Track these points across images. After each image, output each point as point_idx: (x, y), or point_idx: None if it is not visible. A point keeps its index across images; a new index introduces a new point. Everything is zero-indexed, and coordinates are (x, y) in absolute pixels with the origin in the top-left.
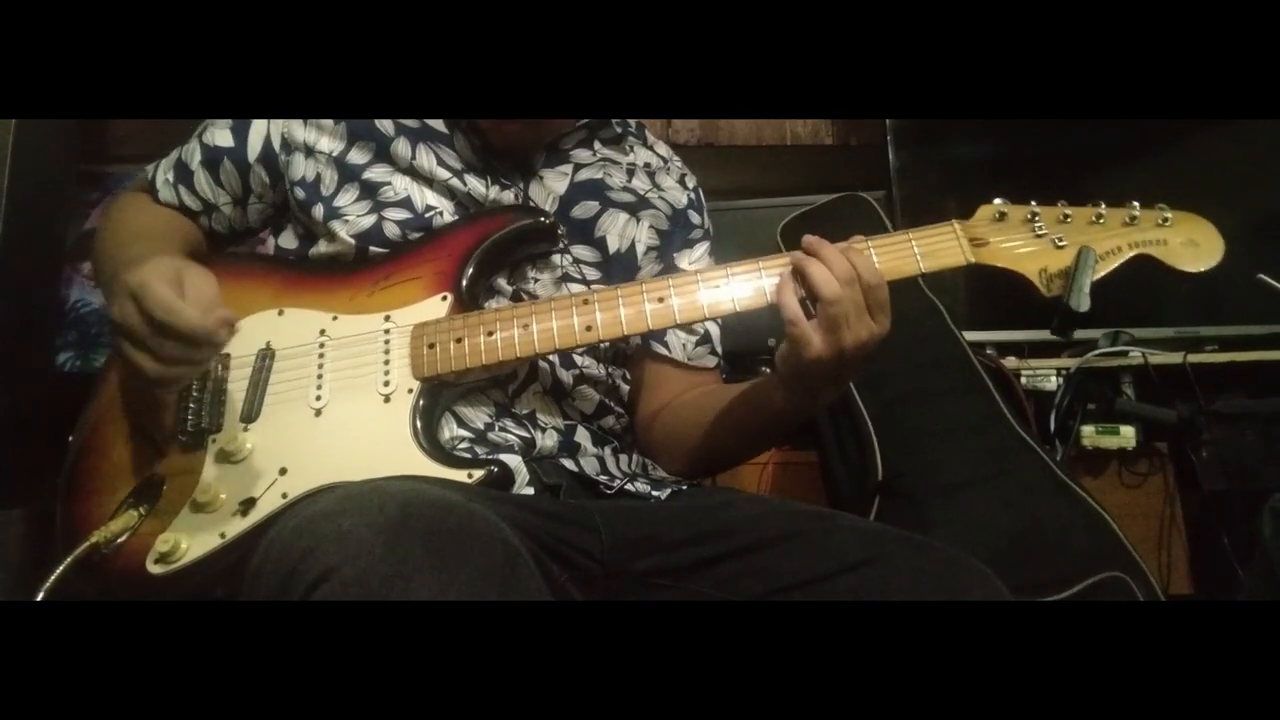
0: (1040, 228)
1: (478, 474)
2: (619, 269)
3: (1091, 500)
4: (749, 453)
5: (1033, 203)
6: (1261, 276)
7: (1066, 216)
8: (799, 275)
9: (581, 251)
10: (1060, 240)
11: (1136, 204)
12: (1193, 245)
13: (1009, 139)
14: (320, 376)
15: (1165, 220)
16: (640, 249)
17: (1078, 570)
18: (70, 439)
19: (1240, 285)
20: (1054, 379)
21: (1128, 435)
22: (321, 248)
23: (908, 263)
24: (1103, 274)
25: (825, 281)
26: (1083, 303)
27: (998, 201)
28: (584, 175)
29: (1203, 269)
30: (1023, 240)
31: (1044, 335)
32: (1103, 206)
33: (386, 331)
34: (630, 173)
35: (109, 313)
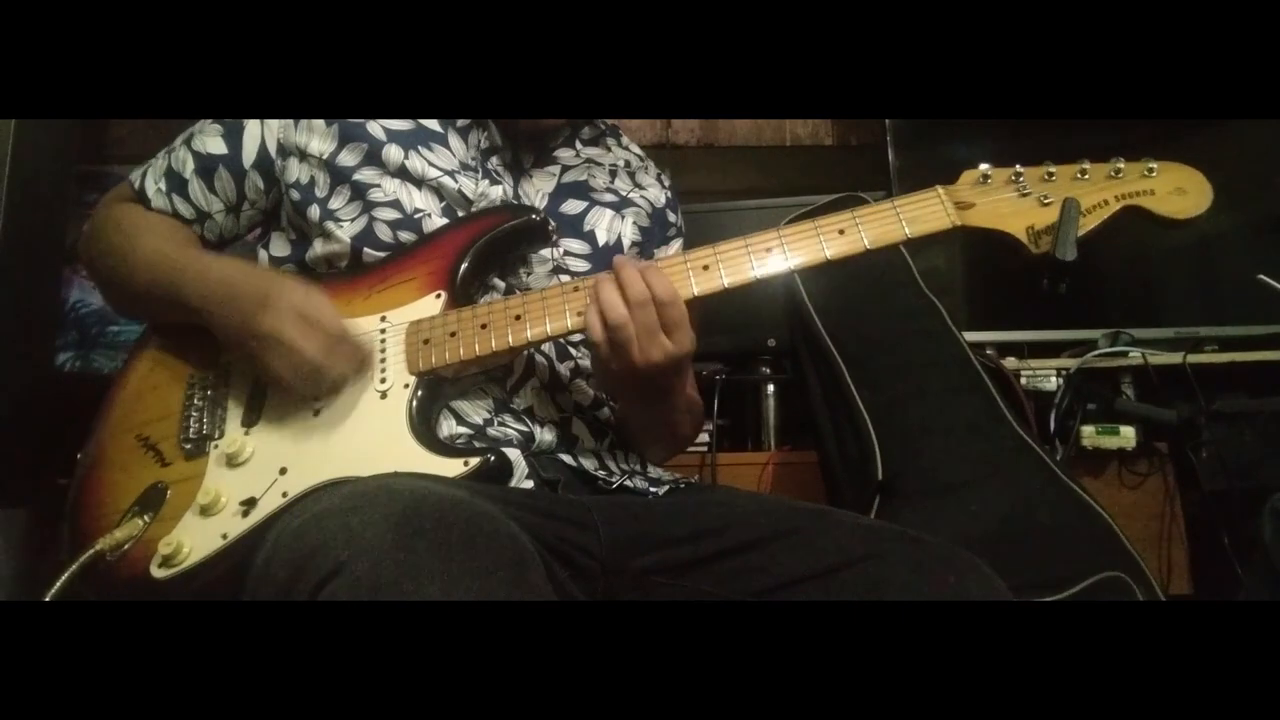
0: (1025, 187)
1: (474, 461)
2: (607, 261)
3: (1091, 500)
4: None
5: (1016, 165)
6: (1261, 277)
7: (1050, 175)
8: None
9: (571, 244)
10: (1046, 198)
11: (1121, 158)
12: (1180, 193)
13: (1009, 139)
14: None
15: (1151, 170)
16: (626, 242)
17: (1078, 570)
18: (79, 455)
19: (1240, 285)
20: (1054, 379)
21: (1128, 435)
22: (317, 249)
23: (893, 230)
24: (1091, 227)
25: (610, 306)
26: (1069, 252)
27: (983, 166)
28: (570, 177)
29: (1193, 216)
30: (1008, 200)
31: (1044, 335)
32: (1086, 163)
33: (382, 331)
34: (613, 173)
35: (255, 334)
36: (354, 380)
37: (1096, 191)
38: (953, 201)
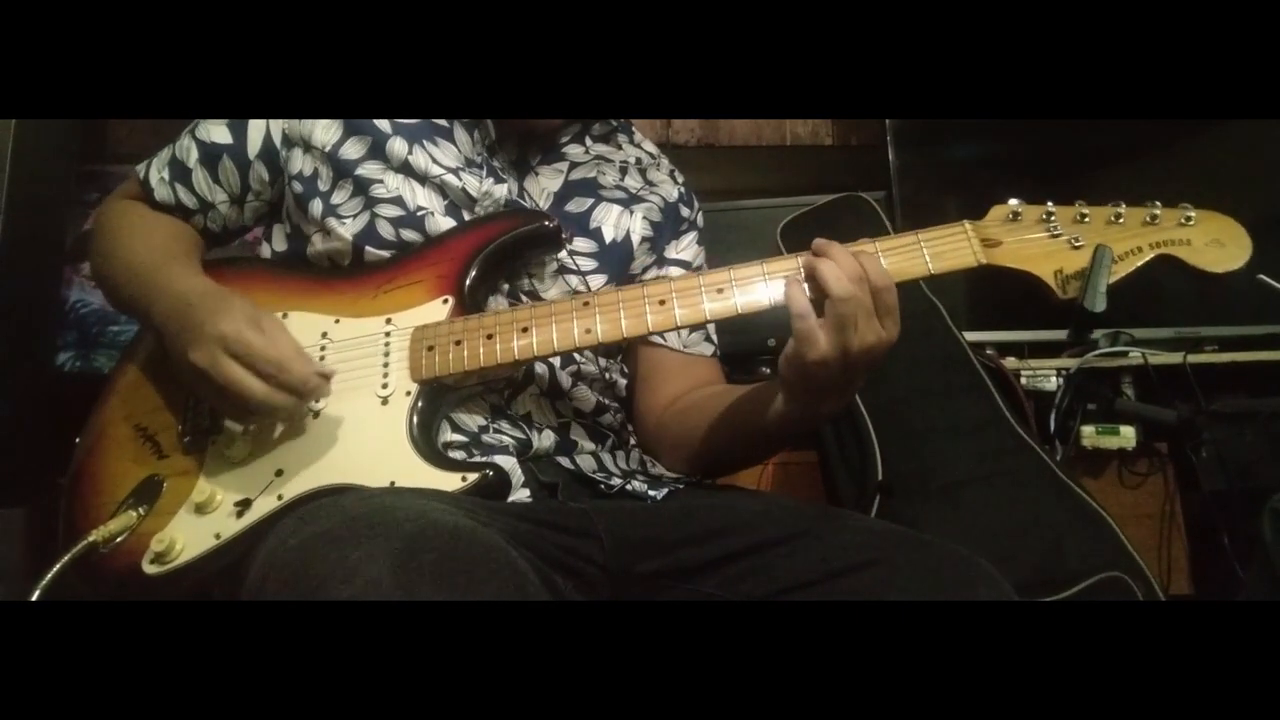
0: (1056, 228)
1: (472, 477)
2: (614, 259)
3: (1091, 500)
4: (752, 457)
5: (1049, 203)
6: (1261, 277)
7: (1084, 216)
8: (809, 276)
9: (578, 243)
10: (1077, 240)
11: (1158, 203)
12: (1218, 245)
13: (1009, 139)
14: None
15: (1189, 219)
16: (635, 239)
17: (1078, 570)
18: (78, 440)
19: (1240, 285)
20: (1054, 379)
21: (1128, 435)
22: (317, 245)
23: (916, 264)
24: (1122, 275)
25: (835, 279)
26: (1098, 303)
27: (1012, 202)
28: (578, 174)
29: (1230, 269)
30: (1037, 241)
31: (1044, 335)
32: (1122, 206)
33: (387, 334)
34: (623, 170)
35: (184, 353)
36: (291, 411)
37: (1130, 238)
38: (979, 238)
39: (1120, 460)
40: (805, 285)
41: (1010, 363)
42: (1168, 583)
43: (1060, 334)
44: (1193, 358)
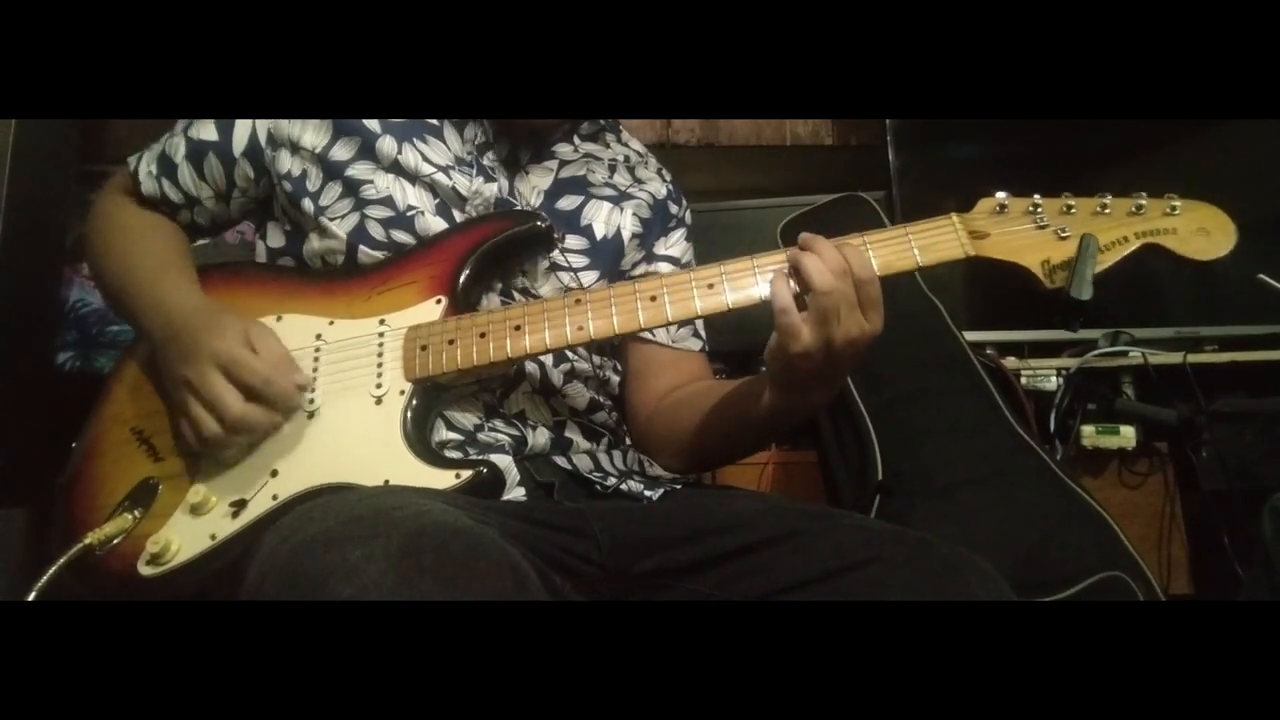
0: (1042, 219)
1: (466, 474)
2: (606, 256)
3: (1091, 500)
4: (743, 450)
5: (1035, 195)
6: (1261, 277)
7: (1070, 208)
8: (794, 270)
9: (569, 240)
10: (1063, 231)
11: (1144, 194)
12: (1204, 233)
13: (1009, 139)
14: (315, 380)
15: (1174, 209)
16: (626, 235)
17: (1078, 570)
18: (74, 444)
19: (1240, 285)
20: (1054, 379)
21: (1128, 435)
22: (314, 244)
23: (904, 258)
24: (1109, 264)
25: (818, 273)
26: (1084, 291)
27: (999, 194)
28: (568, 172)
29: (1216, 256)
30: (1024, 232)
31: (1044, 335)
32: (1108, 197)
33: (381, 335)
34: (612, 168)
35: (174, 364)
36: (266, 429)
37: (1116, 227)
38: (967, 230)
39: (1120, 460)
40: (790, 280)
41: (1010, 363)
42: (1168, 583)
43: (1060, 334)
44: (1193, 358)
